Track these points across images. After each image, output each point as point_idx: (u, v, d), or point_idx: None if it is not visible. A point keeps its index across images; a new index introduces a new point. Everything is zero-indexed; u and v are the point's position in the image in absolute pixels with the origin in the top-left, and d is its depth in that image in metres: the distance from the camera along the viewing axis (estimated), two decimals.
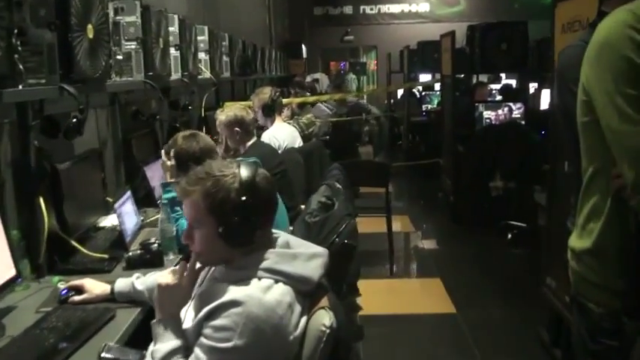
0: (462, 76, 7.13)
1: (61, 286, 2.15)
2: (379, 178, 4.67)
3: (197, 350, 1.45)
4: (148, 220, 3.00)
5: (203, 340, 1.45)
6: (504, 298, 4.14)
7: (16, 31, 2.17)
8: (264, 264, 1.53)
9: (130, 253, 2.42)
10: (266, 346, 1.43)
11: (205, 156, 2.60)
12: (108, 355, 1.66)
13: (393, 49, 11.89)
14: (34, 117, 2.33)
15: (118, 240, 2.68)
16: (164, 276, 1.63)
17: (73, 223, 2.54)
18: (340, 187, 2.90)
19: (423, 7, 14.54)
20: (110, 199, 2.97)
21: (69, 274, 2.32)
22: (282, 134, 4.43)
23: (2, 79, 1.86)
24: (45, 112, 2.38)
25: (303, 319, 1.54)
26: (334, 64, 27.58)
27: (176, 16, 4.00)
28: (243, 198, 1.51)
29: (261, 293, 1.47)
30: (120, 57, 3.26)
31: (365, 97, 16.31)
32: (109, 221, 2.94)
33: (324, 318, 1.54)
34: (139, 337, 1.88)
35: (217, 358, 1.42)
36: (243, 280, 1.50)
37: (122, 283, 2.07)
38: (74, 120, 2.36)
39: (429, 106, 8.94)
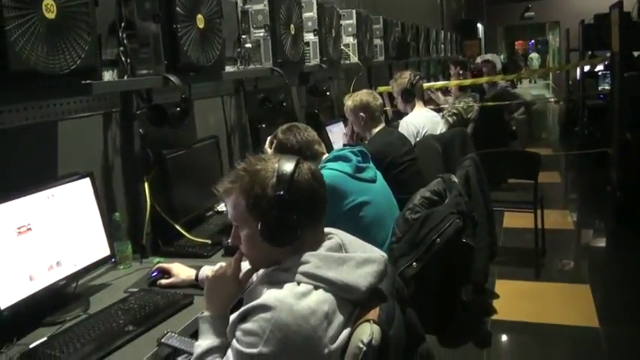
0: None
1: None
2: (528, 169, 4.28)
3: (229, 352, 1.40)
4: None
5: (234, 342, 1.40)
6: None
7: (123, 24, 2.29)
8: (304, 267, 1.43)
9: (229, 240, 2.43)
10: (295, 357, 1.34)
11: (305, 149, 2.54)
12: (167, 342, 1.69)
13: (576, 24, 10.92)
14: (142, 106, 2.43)
15: (228, 226, 2.71)
16: (212, 269, 1.61)
17: (182, 207, 2.64)
18: (456, 180, 2.68)
19: None
20: None
21: (171, 256, 2.42)
22: (420, 120, 4.24)
23: (90, 72, 1.91)
24: (154, 102, 2.47)
25: (345, 332, 1.41)
26: (521, 43, 26.10)
27: (314, 1, 3.97)
28: (281, 192, 1.43)
29: (294, 299, 1.37)
30: (249, 45, 3.33)
31: (551, 78, 15.22)
32: None
33: (364, 334, 1.39)
34: None
35: None
36: (281, 283, 1.42)
37: (206, 271, 2.09)
38: (177, 109, 2.43)
39: (606, 88, 8.05)
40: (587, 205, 6.26)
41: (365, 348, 1.37)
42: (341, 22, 4.65)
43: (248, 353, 1.35)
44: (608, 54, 8.08)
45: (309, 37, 3.99)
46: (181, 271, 2.14)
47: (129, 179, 2.45)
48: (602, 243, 5.23)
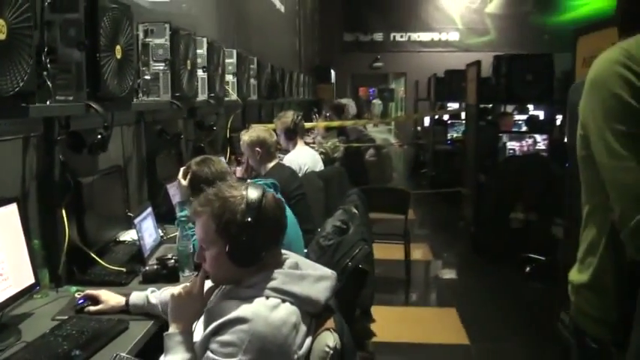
0: (489, 106, 7.13)
1: (78, 295, 2.22)
2: (399, 204, 4.68)
3: None
4: (168, 237, 3.07)
5: (209, 354, 1.49)
6: (519, 331, 4.11)
7: (46, 49, 2.29)
8: (272, 283, 1.57)
9: (147, 268, 2.49)
10: None
11: (217, 180, 2.66)
12: None
13: (422, 76, 11.95)
14: (60, 132, 2.42)
15: (136, 254, 2.74)
16: (177, 288, 1.69)
17: (93, 236, 2.62)
18: (356, 212, 2.94)
19: (453, 36, 14.59)
20: (132, 215, 3.04)
21: (87, 284, 2.39)
22: (303, 157, 4.49)
23: (29, 95, 1.92)
24: (71, 128, 2.46)
25: (308, 340, 1.57)
26: (363, 89, 27.82)
27: (205, 40, 4.10)
28: (249, 219, 1.56)
29: (268, 312, 1.51)
30: (148, 77, 3.37)
31: (393, 123, 16.39)
32: (129, 236, 3.01)
33: (329, 339, 1.57)
34: (151, 350, 1.93)
35: None
36: (251, 298, 1.54)
37: (137, 297, 2.13)
38: (99, 136, 2.45)
39: (455, 135, 8.94)
40: (442, 239, 6.82)
41: (331, 351, 1.55)
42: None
43: None
44: (456, 105, 9.02)
45: (199, 73, 4.10)
46: (110, 297, 2.15)
47: (46, 206, 2.40)
48: (460, 271, 5.74)
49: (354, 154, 6.69)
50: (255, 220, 1.57)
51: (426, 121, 10.27)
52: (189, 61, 3.63)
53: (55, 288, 2.36)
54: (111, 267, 2.52)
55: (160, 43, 3.38)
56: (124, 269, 2.53)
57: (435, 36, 14.53)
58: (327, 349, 1.54)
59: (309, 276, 1.64)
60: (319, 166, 4.67)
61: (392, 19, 14.52)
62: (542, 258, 5.05)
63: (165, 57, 3.38)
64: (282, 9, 9.36)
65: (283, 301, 1.55)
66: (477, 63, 5.81)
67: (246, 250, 1.58)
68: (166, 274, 2.44)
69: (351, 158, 6.80)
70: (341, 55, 14.49)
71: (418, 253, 5.71)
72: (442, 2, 14.56)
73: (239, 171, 3.89)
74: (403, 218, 5.02)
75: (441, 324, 4.20)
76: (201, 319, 1.66)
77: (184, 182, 2.76)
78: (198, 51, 4.05)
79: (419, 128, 11.14)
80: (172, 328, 1.63)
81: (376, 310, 4.32)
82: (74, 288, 2.35)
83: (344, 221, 2.73)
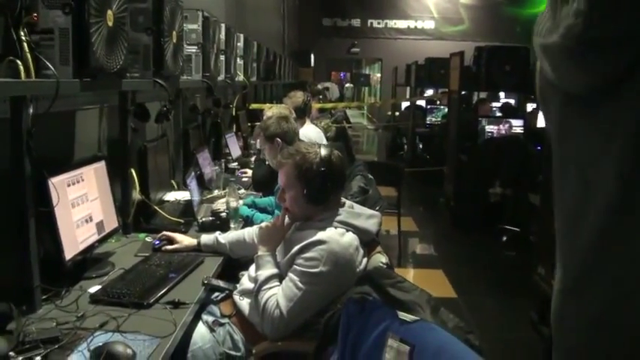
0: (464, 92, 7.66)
1: (148, 240, 2.68)
2: (393, 178, 5.20)
3: (290, 274, 2.00)
4: (205, 198, 3.52)
5: (296, 267, 2.00)
6: (497, 288, 4.71)
7: None
8: (339, 218, 2.08)
9: (204, 219, 2.95)
10: (341, 273, 1.98)
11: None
12: (211, 283, 2.19)
13: (398, 63, 12.48)
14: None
15: (184, 210, 3.18)
16: (265, 223, 2.19)
17: (152, 193, 3.07)
18: (372, 177, 3.45)
19: (429, 25, 15.15)
20: (172, 181, 3.50)
21: (151, 232, 2.81)
22: (311, 134, 4.96)
23: (123, 72, 2.34)
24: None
25: (365, 260, 2.09)
26: (335, 74, 28.28)
27: (224, 25, 4.53)
28: (322, 169, 2.07)
29: (339, 237, 2.02)
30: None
31: (365, 107, 16.81)
32: (172, 196, 3.46)
33: (381, 258, 2.10)
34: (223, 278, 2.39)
35: (306, 280, 1.97)
36: (324, 228, 2.05)
37: (207, 238, 2.60)
38: (164, 108, 2.89)
39: (433, 119, 9.51)
40: (423, 213, 7.38)
41: (385, 266, 2.06)
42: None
43: (310, 272, 1.97)
44: (431, 91, 9.55)
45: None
46: (184, 238, 2.62)
47: (117, 165, 2.80)
48: (443, 240, 6.28)
49: (343, 133, 7.21)
50: (326, 170, 2.07)
51: (403, 105, 10.82)
52: (215, 45, 4.06)
53: (124, 234, 2.79)
54: (171, 218, 2.97)
55: (193, 29, 3.80)
56: (181, 220, 2.98)
57: (411, 24, 15.07)
58: (381, 264, 2.06)
59: (363, 214, 2.16)
60: (324, 142, 5.15)
61: (369, 6, 15.00)
62: (517, 229, 5.61)
63: (198, 41, 3.81)
64: None
65: (347, 230, 2.07)
66: (461, 53, 6.34)
67: (319, 192, 2.08)
68: (220, 225, 2.91)
69: (340, 137, 7.32)
70: (319, 39, 14.93)
71: (403, 225, 6.26)
72: None
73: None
74: (393, 192, 5.53)
75: (431, 281, 4.76)
76: (280, 246, 2.16)
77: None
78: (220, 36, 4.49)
79: (397, 113, 11.68)
80: (261, 251, 2.13)
81: None
82: (143, 234, 2.80)
83: (365, 183, 3.23)
